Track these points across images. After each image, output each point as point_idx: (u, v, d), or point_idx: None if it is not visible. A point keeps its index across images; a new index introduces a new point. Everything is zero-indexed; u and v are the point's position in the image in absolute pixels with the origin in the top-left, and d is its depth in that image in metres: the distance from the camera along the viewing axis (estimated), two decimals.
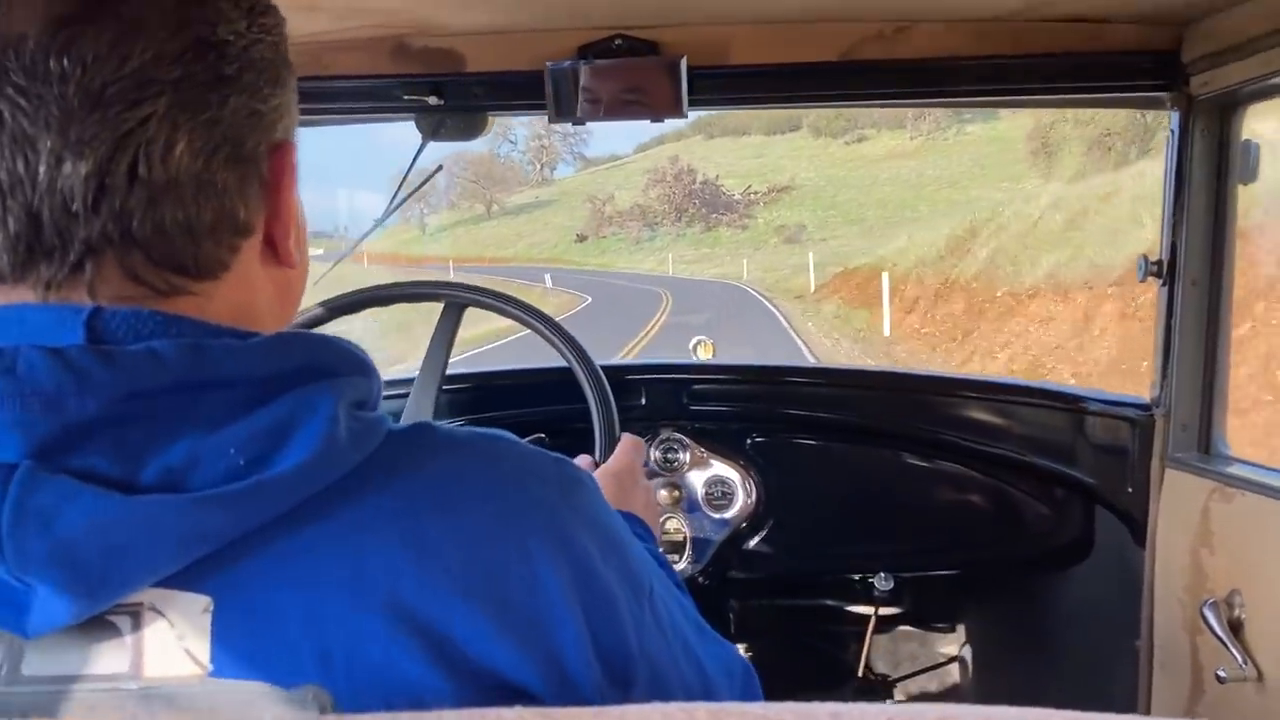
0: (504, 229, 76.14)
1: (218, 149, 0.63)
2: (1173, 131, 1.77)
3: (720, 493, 2.07)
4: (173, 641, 0.58)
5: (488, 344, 16.90)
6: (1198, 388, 1.77)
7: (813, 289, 32.01)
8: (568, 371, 1.76)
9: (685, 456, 2.07)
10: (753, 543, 2.11)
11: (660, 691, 0.71)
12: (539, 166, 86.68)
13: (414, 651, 0.60)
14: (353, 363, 0.66)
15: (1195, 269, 1.75)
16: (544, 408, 2.06)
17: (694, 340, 3.10)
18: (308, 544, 0.60)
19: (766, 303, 30.58)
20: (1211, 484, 1.66)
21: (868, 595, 2.12)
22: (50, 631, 0.56)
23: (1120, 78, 1.76)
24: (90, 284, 0.61)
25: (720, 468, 2.08)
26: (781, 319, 25.11)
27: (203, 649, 0.58)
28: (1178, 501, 1.76)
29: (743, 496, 2.07)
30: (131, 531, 0.55)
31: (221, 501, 0.57)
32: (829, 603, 2.35)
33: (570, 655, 0.65)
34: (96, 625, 0.58)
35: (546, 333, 1.79)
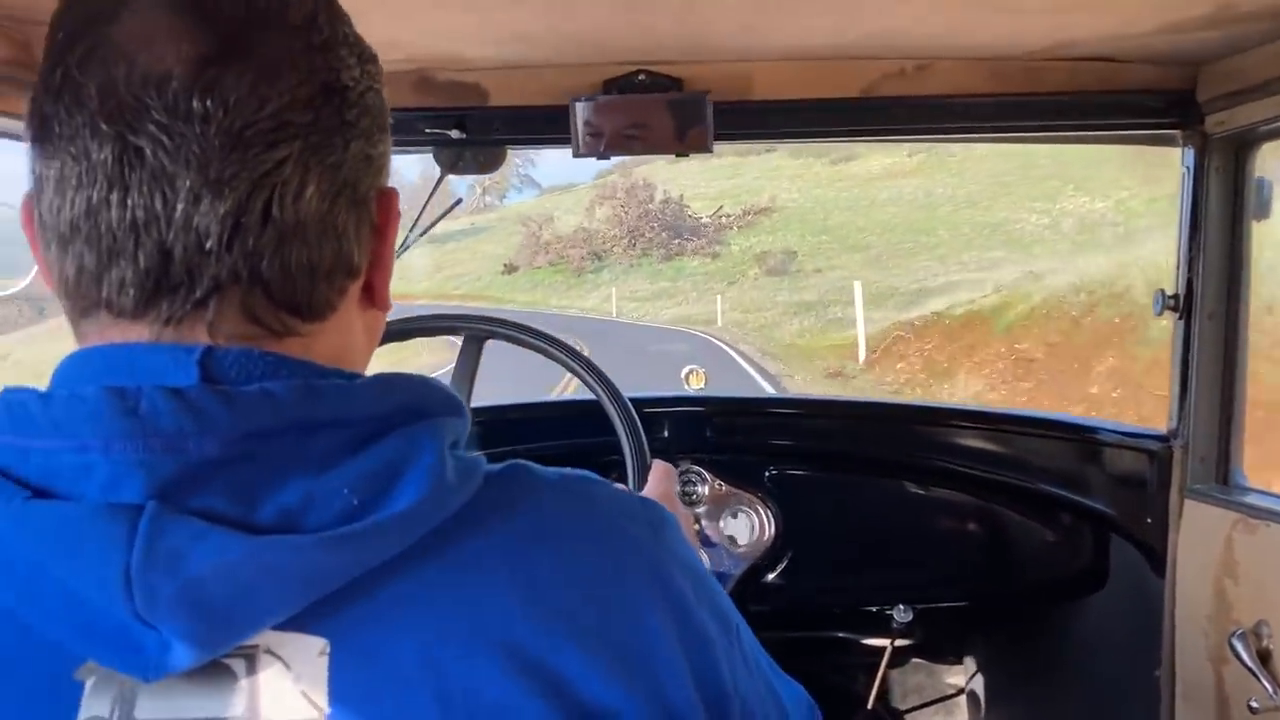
0: (423, 260, 58.55)
1: (340, 192, 0.63)
2: (1187, 169, 1.81)
3: (739, 526, 2.08)
4: (289, 686, 0.58)
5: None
6: (1215, 420, 1.80)
7: (862, 356, 20.91)
8: (583, 404, 1.76)
9: (704, 490, 2.07)
10: (770, 576, 2.11)
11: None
12: (480, 191, 69.03)
13: (530, 692, 0.60)
14: (447, 403, 0.66)
15: (1211, 303, 1.78)
16: (565, 440, 2.07)
17: (685, 370, 3.11)
18: (420, 586, 0.60)
19: (750, 367, 19.54)
20: (1234, 515, 1.68)
21: (885, 627, 2.13)
22: (169, 675, 0.56)
23: (1136, 116, 1.80)
24: (211, 322, 0.61)
25: (739, 501, 2.09)
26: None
27: (320, 693, 0.58)
28: (1198, 532, 1.77)
29: (761, 530, 2.08)
30: (257, 572, 0.55)
31: (342, 542, 0.57)
32: (841, 635, 2.35)
33: (676, 695, 0.65)
34: (212, 669, 0.57)
35: (570, 363, 1.77)
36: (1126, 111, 1.79)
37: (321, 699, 0.58)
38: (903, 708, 2.51)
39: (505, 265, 55.02)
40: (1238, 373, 1.78)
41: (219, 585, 0.55)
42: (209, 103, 0.58)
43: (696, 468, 2.08)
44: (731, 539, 2.07)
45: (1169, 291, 1.83)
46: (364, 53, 0.67)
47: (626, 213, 50.70)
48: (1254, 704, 1.56)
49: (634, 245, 49.59)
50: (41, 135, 0.61)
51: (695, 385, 3.16)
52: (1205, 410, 1.80)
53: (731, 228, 48.99)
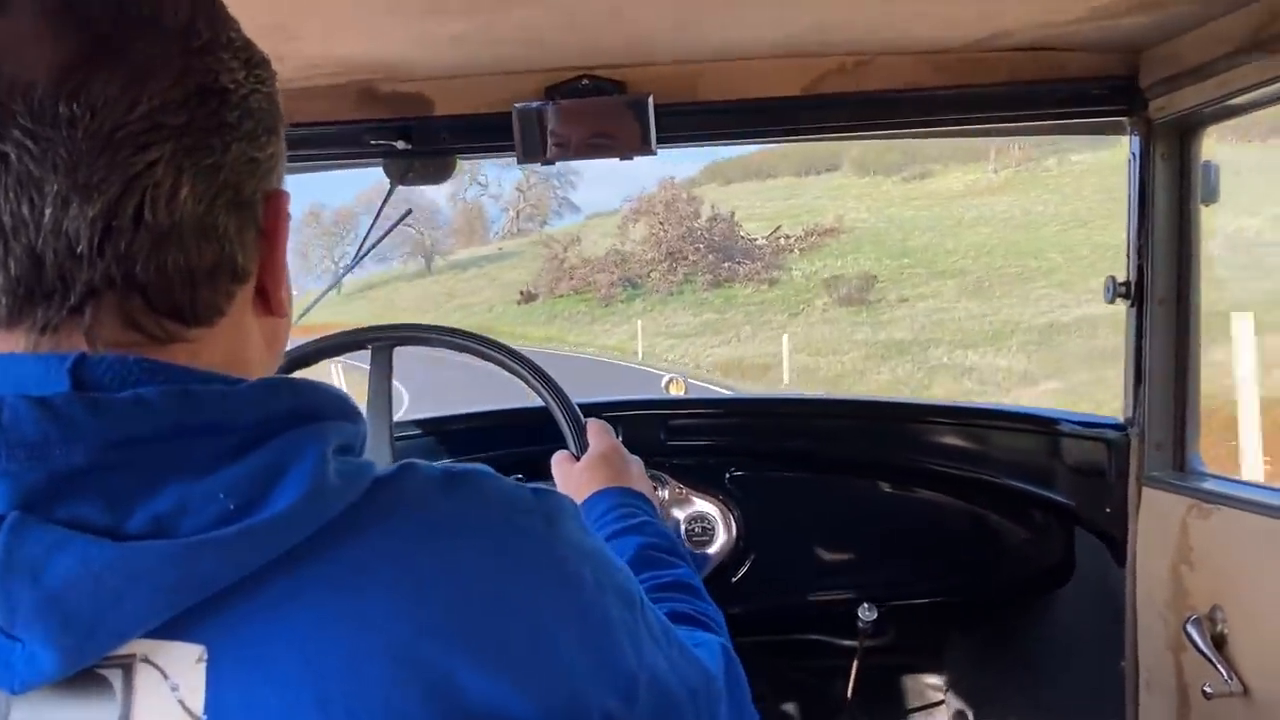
0: (437, 288, 55.33)
1: (219, 194, 0.63)
2: (1133, 155, 1.81)
3: (701, 529, 2.06)
4: (166, 693, 0.57)
5: None
6: (1170, 406, 1.79)
7: None
8: (521, 413, 1.73)
9: (665, 494, 2.06)
10: (735, 578, 2.10)
11: (662, 696, 0.73)
12: (514, 215, 62.54)
13: (415, 695, 0.59)
14: (339, 407, 0.66)
15: (1162, 289, 1.78)
16: (506, 450, 2.05)
17: (666, 379, 3.09)
18: (301, 589, 0.59)
19: None
20: (1189, 501, 1.67)
21: (852, 627, 2.11)
22: (38, 686, 0.55)
23: (1080, 104, 1.80)
24: (88, 328, 0.60)
25: (700, 504, 2.07)
26: None
27: (197, 700, 0.57)
28: (1156, 520, 1.77)
29: (723, 532, 2.06)
30: (122, 579, 0.54)
31: (213, 546, 0.56)
32: (813, 637, 2.34)
33: (573, 688, 0.65)
34: (86, 679, 0.57)
35: (484, 350, 1.72)
36: (1070, 100, 1.79)
37: (199, 706, 0.57)
38: (877, 708, 2.49)
39: (522, 293, 47.06)
40: (1191, 358, 1.78)
41: (80, 593, 0.54)
42: (75, 106, 0.57)
43: (656, 471, 2.07)
44: (694, 542, 2.06)
45: (1119, 279, 1.83)
46: (252, 57, 0.67)
47: (666, 231, 42.17)
48: (1208, 689, 1.55)
49: (674, 270, 41.20)
50: None
51: (675, 393, 3.15)
52: (1159, 397, 1.79)
53: (792, 250, 41.00)
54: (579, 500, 1.30)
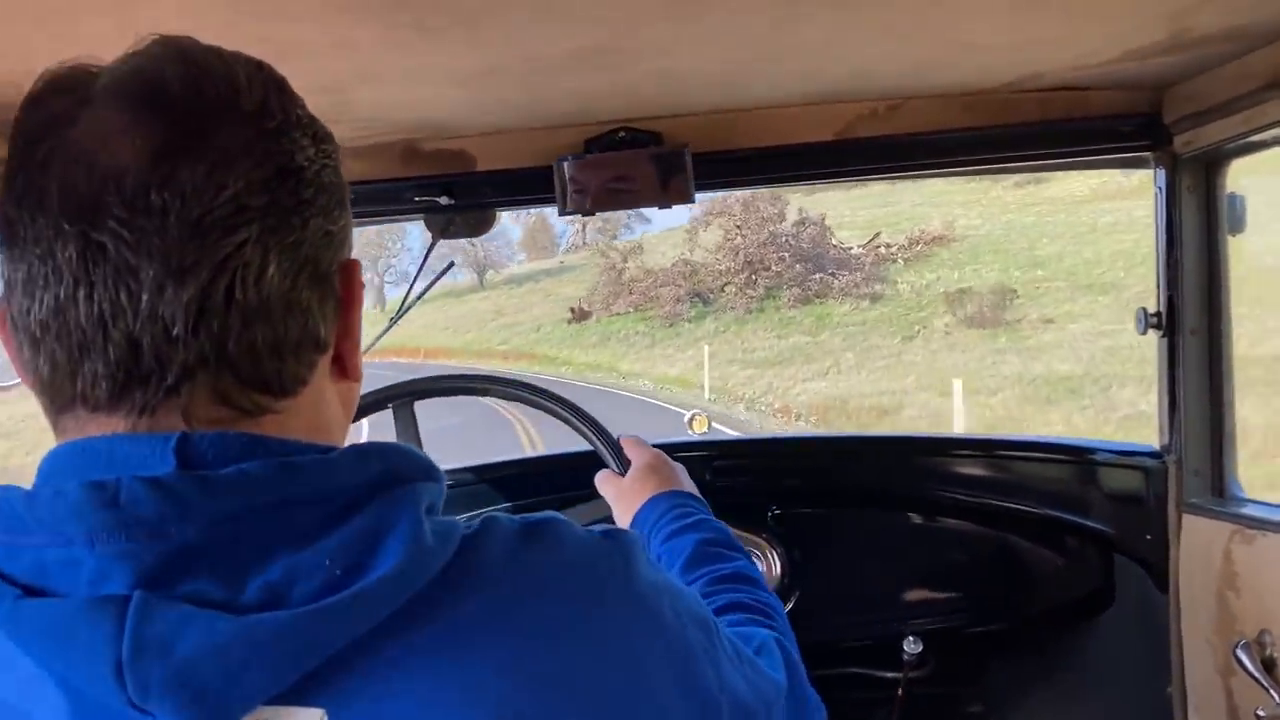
0: (486, 305, 48.87)
1: (302, 269, 0.66)
2: (1160, 188, 1.85)
3: None
4: None
5: None
6: (1206, 433, 1.83)
7: None
8: (553, 459, 1.74)
9: None
10: None
11: (741, 712, 0.77)
12: (580, 228, 51.80)
13: None
14: (423, 468, 0.68)
15: (1193, 319, 1.82)
16: (554, 495, 2.08)
17: (689, 414, 3.12)
18: (409, 650, 0.61)
19: None
20: (1231, 526, 1.70)
21: (895, 660, 2.14)
22: None
23: (1107, 140, 1.84)
24: (184, 408, 0.63)
25: (744, 543, 2.10)
26: None
27: None
28: (1197, 546, 1.80)
29: (768, 570, 2.09)
30: (246, 651, 0.57)
31: (326, 613, 0.59)
32: (857, 670, 2.35)
33: (668, 717, 0.69)
34: None
35: (505, 391, 1.75)
36: (1097, 137, 1.84)
37: None
38: None
39: (573, 310, 39.85)
40: (1225, 385, 1.81)
41: (209, 666, 0.56)
42: (166, 195, 0.60)
43: None
44: None
45: (1150, 310, 1.86)
46: (318, 132, 0.69)
47: (744, 237, 34.16)
48: (1261, 713, 1.57)
49: (753, 282, 33.49)
50: (8, 240, 0.63)
51: (699, 430, 3.16)
52: (1195, 424, 1.82)
53: (895, 260, 33.64)
54: (635, 509, 1.35)
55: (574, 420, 1.64)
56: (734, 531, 2.08)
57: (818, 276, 32.79)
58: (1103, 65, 1.64)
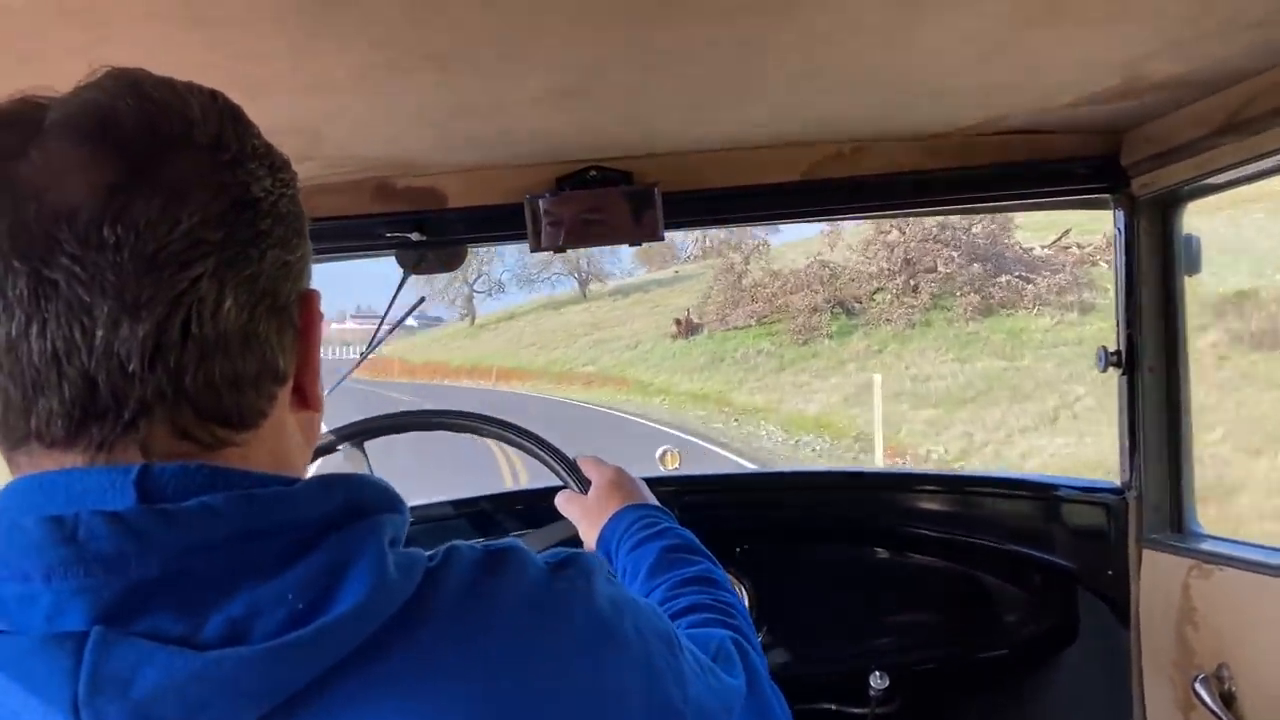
0: (585, 317, 40.45)
1: (259, 302, 0.65)
2: (1119, 229, 1.89)
3: None
4: None
5: None
6: (1165, 469, 1.86)
7: None
8: (518, 496, 1.74)
9: None
10: None
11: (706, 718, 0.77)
12: (701, 234, 41.50)
13: None
14: (386, 500, 0.68)
15: (1151, 357, 1.85)
16: (513, 533, 2.09)
17: (660, 450, 3.13)
18: (371, 684, 0.61)
19: None
20: (1190, 562, 1.73)
21: (862, 695, 2.15)
22: None
23: (1067, 182, 1.89)
24: (143, 443, 0.62)
25: None
26: None
27: None
28: (1157, 581, 1.82)
29: None
30: (206, 689, 0.56)
31: (290, 650, 0.58)
32: (826, 706, 2.36)
33: None
34: None
35: (456, 423, 1.76)
36: (1057, 179, 1.88)
37: None
38: None
39: (679, 323, 30.95)
40: (1183, 422, 1.85)
41: (167, 705, 0.55)
42: (120, 230, 0.59)
43: None
44: None
45: (1110, 348, 1.90)
46: (274, 161, 0.69)
47: (902, 231, 25.68)
48: None
49: (914, 287, 25.04)
50: None
51: (670, 467, 3.17)
52: (1154, 461, 1.86)
53: (1095, 263, 23.51)
54: (600, 525, 1.36)
55: (526, 444, 1.65)
56: None
57: (1003, 280, 24.05)
58: (1062, 109, 1.68)
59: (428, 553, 0.68)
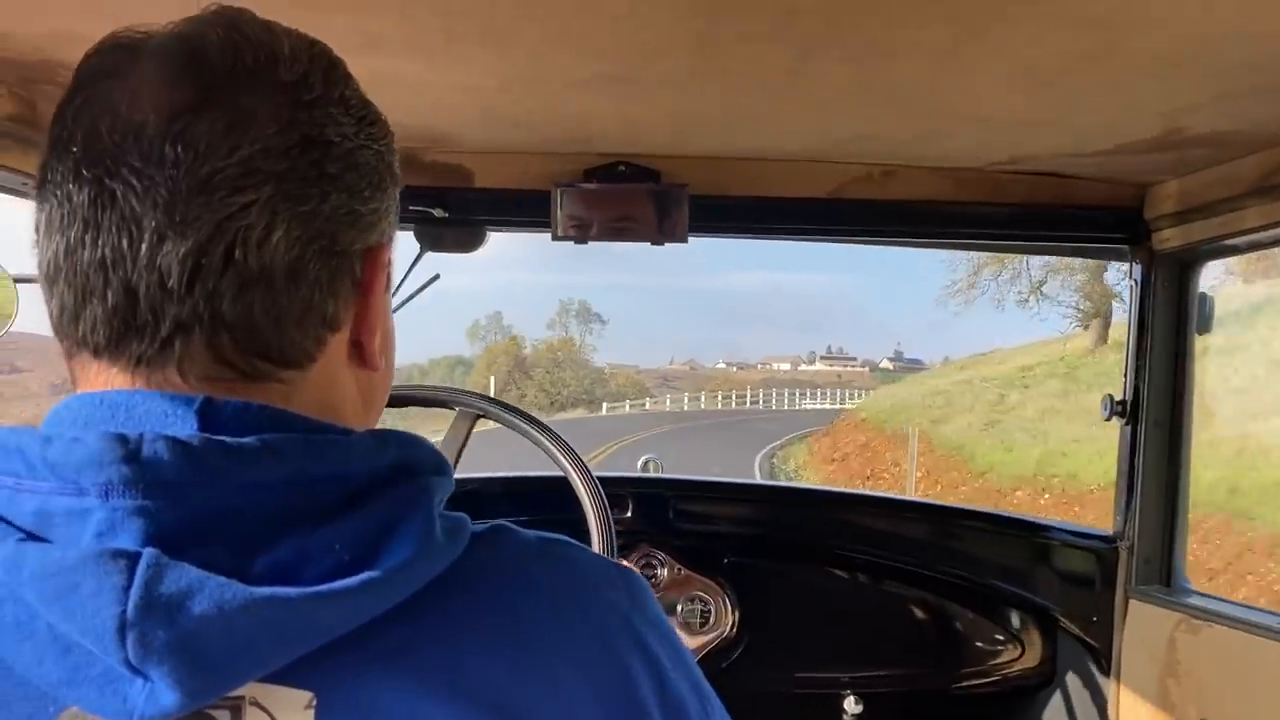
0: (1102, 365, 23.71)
1: (313, 241, 0.64)
2: (1135, 282, 1.90)
3: (698, 611, 2.09)
4: None
5: None
6: (1159, 522, 1.87)
7: None
8: (558, 480, 1.75)
9: (663, 573, 2.09)
10: (726, 663, 2.12)
11: None
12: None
13: None
14: (434, 462, 0.68)
15: (1157, 411, 1.86)
16: (539, 515, 2.08)
17: (643, 459, 3.12)
18: (406, 641, 0.61)
19: None
20: (1178, 615, 1.74)
21: (837, 717, 2.14)
22: None
23: (1088, 229, 1.90)
24: (179, 362, 0.62)
25: (698, 587, 2.11)
26: None
27: None
28: (1143, 631, 1.83)
29: (719, 616, 2.10)
30: (253, 624, 0.56)
31: (335, 597, 0.58)
32: None
33: None
34: (196, 718, 0.58)
35: (550, 448, 1.71)
36: (1079, 225, 1.89)
37: None
38: None
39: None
40: (1181, 478, 1.86)
41: (214, 635, 0.55)
42: (179, 148, 0.60)
43: (657, 551, 2.11)
44: (689, 625, 2.09)
45: (1116, 397, 1.91)
46: (366, 115, 0.69)
47: None
48: None
49: None
50: (40, 181, 0.64)
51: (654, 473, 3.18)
52: (1150, 513, 1.87)
53: None
54: None
55: (595, 512, 1.61)
56: (691, 574, 2.11)
57: None
58: (1094, 155, 1.69)
59: (475, 523, 0.68)
